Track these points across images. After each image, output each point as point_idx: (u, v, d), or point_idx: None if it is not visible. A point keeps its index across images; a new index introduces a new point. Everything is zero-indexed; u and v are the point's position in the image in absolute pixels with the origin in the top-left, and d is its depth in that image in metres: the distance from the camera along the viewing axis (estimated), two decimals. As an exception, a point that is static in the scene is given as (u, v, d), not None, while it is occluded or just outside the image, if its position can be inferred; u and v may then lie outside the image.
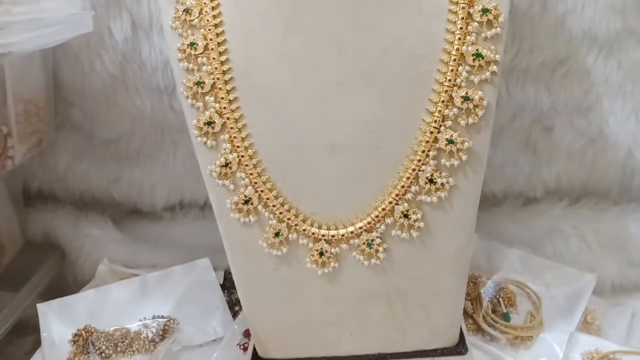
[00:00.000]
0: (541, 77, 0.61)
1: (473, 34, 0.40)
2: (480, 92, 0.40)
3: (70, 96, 0.65)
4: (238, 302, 0.59)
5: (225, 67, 0.41)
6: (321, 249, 0.44)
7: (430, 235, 0.43)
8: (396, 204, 0.42)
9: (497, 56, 0.40)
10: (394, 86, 0.41)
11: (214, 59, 0.41)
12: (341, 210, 0.43)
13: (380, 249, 0.43)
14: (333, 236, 0.43)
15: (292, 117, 0.42)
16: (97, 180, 0.71)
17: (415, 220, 0.42)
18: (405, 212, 0.42)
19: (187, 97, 0.42)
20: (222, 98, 0.42)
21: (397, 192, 0.42)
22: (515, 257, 0.62)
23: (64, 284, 0.69)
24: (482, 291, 0.58)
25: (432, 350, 0.47)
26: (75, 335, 0.55)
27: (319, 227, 0.43)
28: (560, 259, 0.63)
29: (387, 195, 0.42)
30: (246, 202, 0.43)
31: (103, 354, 0.54)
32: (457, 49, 0.40)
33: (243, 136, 0.42)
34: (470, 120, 0.41)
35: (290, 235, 0.44)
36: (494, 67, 0.40)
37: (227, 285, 0.62)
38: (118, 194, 0.72)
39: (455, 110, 0.40)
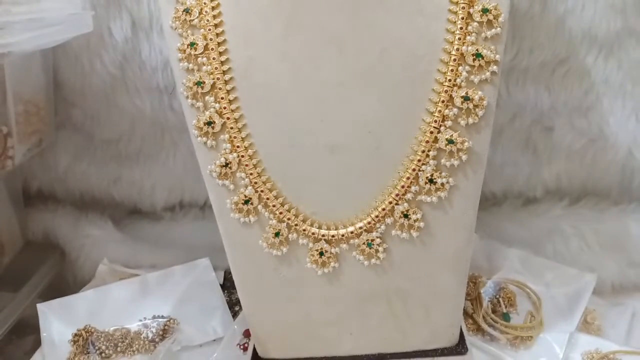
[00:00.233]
0: (541, 77, 0.61)
1: (473, 34, 0.40)
2: (480, 92, 0.40)
3: (70, 96, 0.65)
4: (238, 302, 0.59)
5: (225, 67, 0.41)
6: (321, 249, 0.44)
7: (430, 235, 0.43)
8: (396, 204, 0.42)
9: (497, 56, 0.40)
10: (394, 86, 0.41)
11: (214, 59, 0.41)
12: (341, 210, 0.43)
13: (380, 249, 0.43)
14: (333, 236, 0.43)
15: (292, 117, 0.42)
16: (97, 180, 0.71)
17: (415, 220, 0.42)
18: (405, 212, 0.42)
19: (187, 97, 0.42)
20: (222, 98, 0.42)
21: (397, 192, 0.42)
22: (515, 257, 0.62)
23: (64, 284, 0.69)
24: (482, 291, 0.58)
25: (432, 350, 0.47)
26: (75, 335, 0.55)
27: (319, 227, 0.43)
28: (561, 259, 0.63)
29: (387, 195, 0.42)
30: (246, 202, 0.43)
31: (103, 354, 0.54)
32: (457, 49, 0.40)
33: (243, 136, 0.42)
34: (470, 120, 0.41)
35: (290, 235, 0.43)
36: (494, 67, 0.40)
37: (227, 285, 0.62)
38: (118, 194, 0.72)
39: (455, 110, 0.40)
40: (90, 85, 0.63)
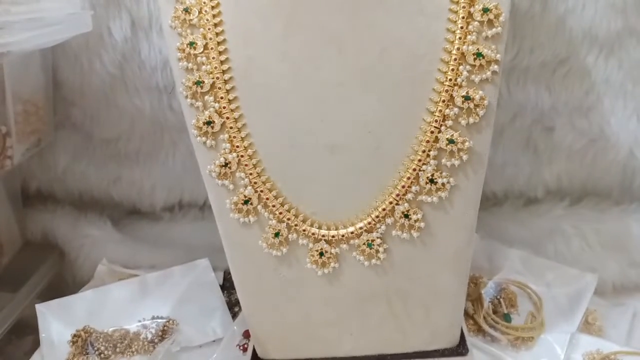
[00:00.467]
0: (542, 77, 0.61)
1: (474, 34, 0.40)
2: (481, 92, 0.40)
3: (69, 96, 0.65)
4: (238, 302, 0.59)
5: (224, 67, 0.41)
6: (321, 249, 0.43)
7: (430, 235, 0.43)
8: (396, 204, 0.42)
9: (498, 55, 0.40)
10: (394, 86, 0.41)
11: (213, 58, 0.41)
12: (341, 211, 0.43)
13: (381, 249, 0.43)
14: (333, 236, 0.43)
15: (292, 117, 0.42)
16: (96, 180, 0.71)
17: (415, 221, 0.42)
18: (405, 212, 0.42)
19: (187, 97, 0.42)
20: (221, 98, 0.41)
21: (397, 192, 0.42)
22: (516, 257, 0.62)
23: (63, 284, 0.69)
24: (483, 292, 0.58)
25: (432, 350, 0.47)
26: (74, 335, 0.55)
27: (319, 228, 0.43)
28: (562, 259, 0.63)
29: (387, 195, 0.42)
30: (246, 202, 0.43)
31: (102, 355, 0.54)
32: (458, 49, 0.40)
33: (242, 136, 0.42)
34: (471, 120, 0.40)
35: (290, 236, 0.43)
36: (495, 67, 0.40)
37: (227, 285, 0.62)
38: (117, 194, 0.72)
39: (456, 109, 0.40)
40: (90, 85, 0.63)
